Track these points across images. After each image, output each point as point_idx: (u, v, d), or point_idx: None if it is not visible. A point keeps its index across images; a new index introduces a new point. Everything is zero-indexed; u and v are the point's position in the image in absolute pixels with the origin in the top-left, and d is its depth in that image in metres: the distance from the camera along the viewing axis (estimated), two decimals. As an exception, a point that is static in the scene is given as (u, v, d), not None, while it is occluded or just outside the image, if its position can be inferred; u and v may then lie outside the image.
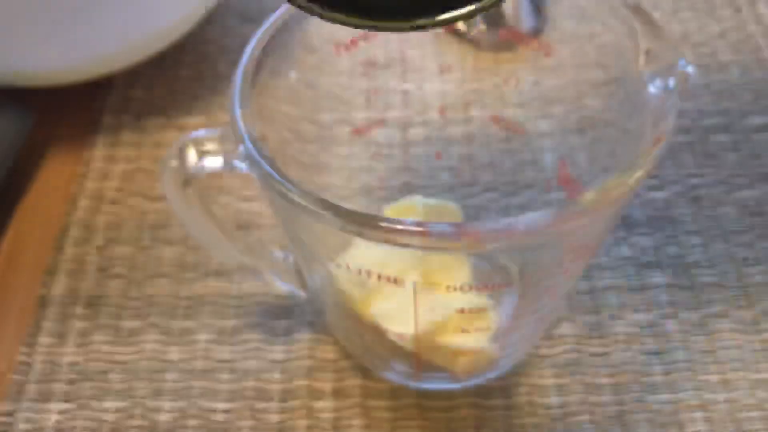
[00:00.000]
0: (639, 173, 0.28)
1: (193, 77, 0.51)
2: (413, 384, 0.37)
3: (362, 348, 0.36)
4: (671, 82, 0.30)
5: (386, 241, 0.27)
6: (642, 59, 0.31)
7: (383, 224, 0.27)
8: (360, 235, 0.27)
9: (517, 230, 0.27)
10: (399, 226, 0.27)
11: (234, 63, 0.33)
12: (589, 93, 0.36)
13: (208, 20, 0.52)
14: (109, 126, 0.48)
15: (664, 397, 0.37)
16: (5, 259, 0.42)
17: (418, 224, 0.27)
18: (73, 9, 0.43)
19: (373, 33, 0.35)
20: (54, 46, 0.45)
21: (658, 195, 0.43)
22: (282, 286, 0.38)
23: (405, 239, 0.27)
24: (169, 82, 0.50)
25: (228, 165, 0.32)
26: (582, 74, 0.36)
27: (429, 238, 0.27)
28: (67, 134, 0.48)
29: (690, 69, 0.30)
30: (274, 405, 0.37)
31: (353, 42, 0.35)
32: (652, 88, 0.30)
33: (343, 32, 0.35)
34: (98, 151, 0.47)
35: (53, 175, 0.46)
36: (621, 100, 0.34)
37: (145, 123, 0.48)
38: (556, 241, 0.29)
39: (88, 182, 0.45)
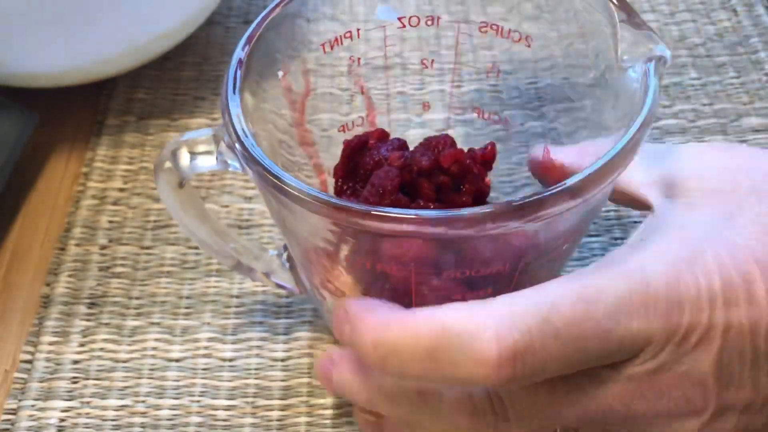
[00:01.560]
0: (619, 156, 0.28)
1: (195, 78, 0.51)
2: None
3: None
4: (650, 67, 0.30)
5: (378, 231, 0.28)
6: (621, 47, 0.31)
7: (375, 213, 0.27)
8: (352, 226, 0.28)
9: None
10: (391, 214, 0.27)
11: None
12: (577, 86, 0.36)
13: (210, 22, 0.53)
14: (112, 127, 0.49)
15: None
16: (9, 258, 0.43)
17: (412, 213, 0.27)
18: (77, 11, 0.44)
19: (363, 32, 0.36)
20: (58, 48, 0.45)
21: (655, 195, 0.44)
22: (277, 284, 0.38)
23: (399, 228, 0.27)
24: (172, 83, 0.51)
25: (221, 164, 0.33)
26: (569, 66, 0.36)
27: (422, 226, 0.27)
28: (70, 135, 0.48)
29: (667, 53, 0.31)
30: (274, 402, 0.37)
31: (338, 40, 0.36)
32: (632, 74, 0.31)
33: (332, 33, 0.36)
34: (101, 152, 0.47)
35: (57, 175, 0.46)
36: (605, 88, 0.34)
37: (148, 124, 0.49)
38: (550, 222, 0.29)
39: (91, 182, 0.46)
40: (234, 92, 0.31)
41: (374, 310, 0.29)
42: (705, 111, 0.48)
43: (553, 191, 0.27)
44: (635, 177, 0.32)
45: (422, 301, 0.32)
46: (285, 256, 0.37)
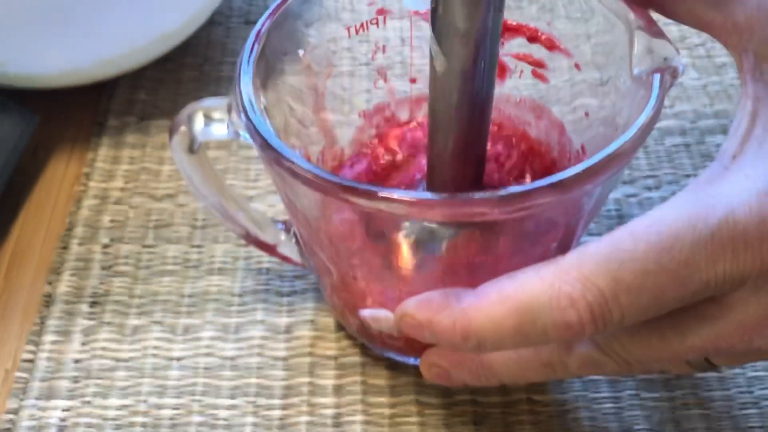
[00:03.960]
0: (603, 162, 0.29)
1: (196, 79, 0.51)
2: (411, 360, 0.37)
3: (357, 325, 0.37)
4: (656, 78, 0.30)
5: (380, 210, 0.28)
6: (634, 53, 0.31)
7: (380, 194, 0.28)
8: (355, 204, 0.28)
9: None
10: (394, 196, 0.28)
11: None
12: (586, 92, 0.36)
13: (212, 23, 0.53)
14: (114, 127, 0.49)
15: (661, 394, 0.37)
16: (11, 258, 0.43)
17: (415, 194, 0.28)
18: (78, 13, 0.44)
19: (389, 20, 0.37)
20: (58, 49, 0.45)
21: (655, 195, 0.44)
22: (283, 256, 0.39)
23: (400, 209, 0.28)
24: (173, 84, 0.51)
25: (233, 133, 0.33)
26: (579, 74, 0.36)
27: (427, 207, 0.28)
28: (71, 135, 0.48)
29: (681, 63, 0.31)
30: (276, 401, 0.37)
31: (364, 26, 0.36)
32: (641, 81, 0.31)
33: (358, 18, 0.36)
34: (102, 152, 0.47)
35: (57, 176, 0.46)
36: (615, 92, 0.34)
37: (149, 124, 0.49)
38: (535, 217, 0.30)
39: (92, 182, 0.46)
40: (248, 64, 0.32)
41: (440, 306, 0.29)
42: (705, 111, 0.48)
43: (537, 185, 0.28)
44: (716, 17, 0.31)
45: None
46: (292, 230, 0.38)
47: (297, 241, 0.38)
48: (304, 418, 0.37)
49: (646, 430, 0.36)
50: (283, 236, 0.38)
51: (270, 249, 0.38)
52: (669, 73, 0.31)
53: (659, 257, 0.26)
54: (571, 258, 0.27)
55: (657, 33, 0.31)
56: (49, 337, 0.39)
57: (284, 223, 0.38)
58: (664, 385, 0.37)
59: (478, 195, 0.28)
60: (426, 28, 0.36)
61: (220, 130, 0.34)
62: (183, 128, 0.34)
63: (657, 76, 0.30)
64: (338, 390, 0.37)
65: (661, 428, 0.36)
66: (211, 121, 0.33)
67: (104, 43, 0.46)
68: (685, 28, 0.52)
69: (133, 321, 0.40)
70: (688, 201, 0.27)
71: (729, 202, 0.26)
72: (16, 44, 0.44)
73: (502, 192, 0.28)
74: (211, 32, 0.53)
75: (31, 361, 0.39)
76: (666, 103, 0.48)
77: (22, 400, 0.37)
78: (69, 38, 0.45)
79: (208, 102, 0.34)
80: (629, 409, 0.36)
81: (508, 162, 0.38)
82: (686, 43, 0.51)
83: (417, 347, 0.35)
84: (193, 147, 0.34)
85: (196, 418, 0.37)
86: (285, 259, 0.39)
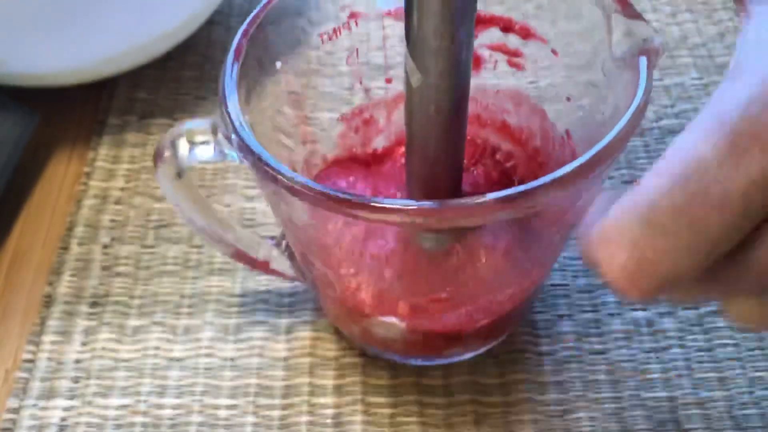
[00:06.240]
0: (601, 152, 0.29)
1: (196, 78, 0.51)
2: (411, 362, 0.37)
3: (358, 331, 0.37)
4: (643, 61, 0.30)
5: (374, 220, 0.28)
6: (614, 38, 0.31)
7: (372, 204, 0.28)
8: (347, 215, 0.28)
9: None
10: (387, 205, 0.27)
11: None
12: (566, 78, 0.36)
13: (212, 22, 0.53)
14: (114, 126, 0.49)
15: (662, 394, 0.37)
16: (11, 258, 0.43)
17: (406, 203, 0.28)
18: (79, 11, 0.44)
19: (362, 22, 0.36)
20: (59, 48, 0.45)
21: (657, 195, 0.44)
22: (277, 272, 0.38)
23: (393, 218, 0.28)
24: (173, 83, 0.51)
25: (219, 155, 0.33)
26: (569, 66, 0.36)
27: (418, 215, 0.27)
28: (71, 134, 0.48)
29: (658, 41, 0.31)
30: (276, 401, 0.37)
31: (336, 31, 0.36)
32: (626, 66, 0.31)
33: (331, 23, 0.36)
34: (103, 151, 0.47)
35: (58, 175, 0.46)
36: (602, 84, 0.34)
37: (150, 123, 0.49)
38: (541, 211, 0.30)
39: (93, 182, 0.46)
40: (231, 81, 0.32)
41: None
42: (706, 111, 0.48)
43: (539, 183, 0.27)
44: None
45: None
46: (284, 244, 0.37)
47: (290, 256, 0.38)
48: (305, 418, 0.37)
49: (646, 430, 0.36)
50: (275, 252, 0.37)
51: (263, 266, 0.38)
52: (652, 53, 0.30)
53: (686, 184, 0.23)
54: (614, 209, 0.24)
55: (633, 15, 0.31)
56: (49, 338, 0.39)
57: (273, 238, 0.38)
58: (665, 384, 0.37)
59: (473, 200, 0.27)
60: (398, 27, 0.36)
61: (205, 153, 0.33)
62: (167, 154, 0.33)
63: (643, 59, 0.30)
64: (338, 390, 0.37)
65: (661, 428, 0.36)
66: (195, 145, 0.33)
67: (105, 42, 0.46)
68: (686, 27, 0.52)
69: (134, 321, 0.40)
70: (703, 119, 0.25)
71: (739, 103, 0.24)
72: (16, 42, 0.44)
73: (508, 192, 0.27)
74: (211, 31, 0.53)
75: (31, 361, 0.39)
76: (667, 102, 0.48)
77: (22, 400, 0.37)
78: (70, 36, 0.45)
79: (191, 124, 0.33)
80: (629, 409, 0.36)
81: (488, 158, 0.38)
82: (687, 43, 0.51)
83: (417, 348, 0.35)
84: (179, 172, 0.33)
85: (197, 418, 0.37)
86: (279, 275, 0.38)
